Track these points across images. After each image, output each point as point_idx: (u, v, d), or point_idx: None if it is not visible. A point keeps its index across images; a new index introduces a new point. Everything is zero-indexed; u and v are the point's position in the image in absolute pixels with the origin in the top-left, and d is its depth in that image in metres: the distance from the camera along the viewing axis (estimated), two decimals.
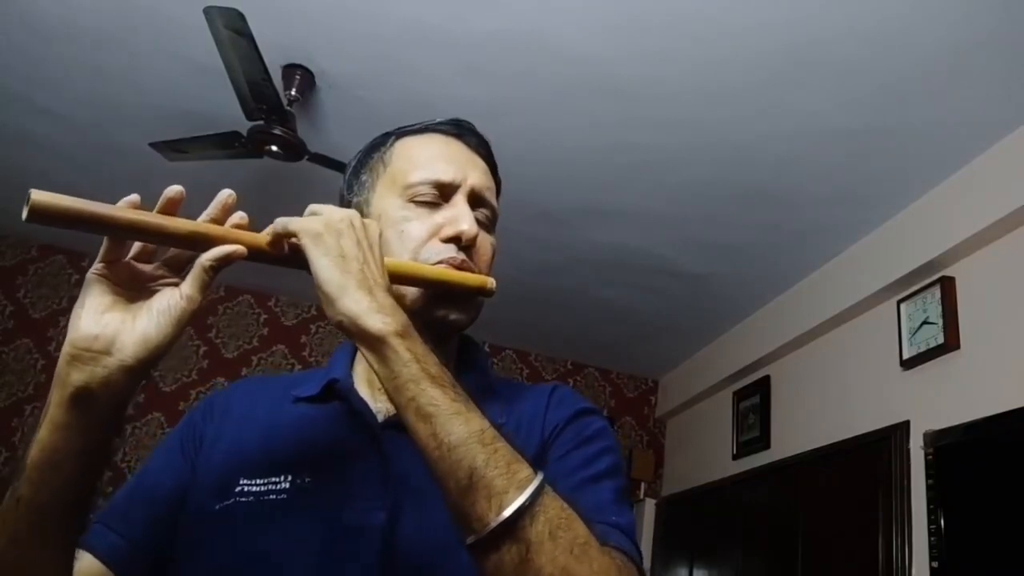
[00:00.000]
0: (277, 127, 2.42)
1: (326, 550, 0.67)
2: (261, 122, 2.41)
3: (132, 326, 0.61)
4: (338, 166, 2.60)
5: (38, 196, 0.55)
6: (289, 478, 0.71)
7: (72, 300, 3.49)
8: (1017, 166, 2.28)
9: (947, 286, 2.53)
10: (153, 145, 2.64)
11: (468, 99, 2.48)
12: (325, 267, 0.62)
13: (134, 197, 0.61)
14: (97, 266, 0.62)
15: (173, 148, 2.62)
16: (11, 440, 3.79)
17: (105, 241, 0.61)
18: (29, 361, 3.94)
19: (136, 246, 0.63)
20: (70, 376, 0.59)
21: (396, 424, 0.74)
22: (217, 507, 0.70)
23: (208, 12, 2.02)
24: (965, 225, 2.44)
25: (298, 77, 2.44)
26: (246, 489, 0.71)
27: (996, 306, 2.35)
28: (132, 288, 0.63)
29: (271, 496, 0.70)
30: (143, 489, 0.76)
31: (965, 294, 2.48)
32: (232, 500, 0.70)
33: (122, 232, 0.60)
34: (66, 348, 0.60)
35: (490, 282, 0.77)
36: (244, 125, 2.46)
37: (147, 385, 4.04)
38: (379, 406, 0.77)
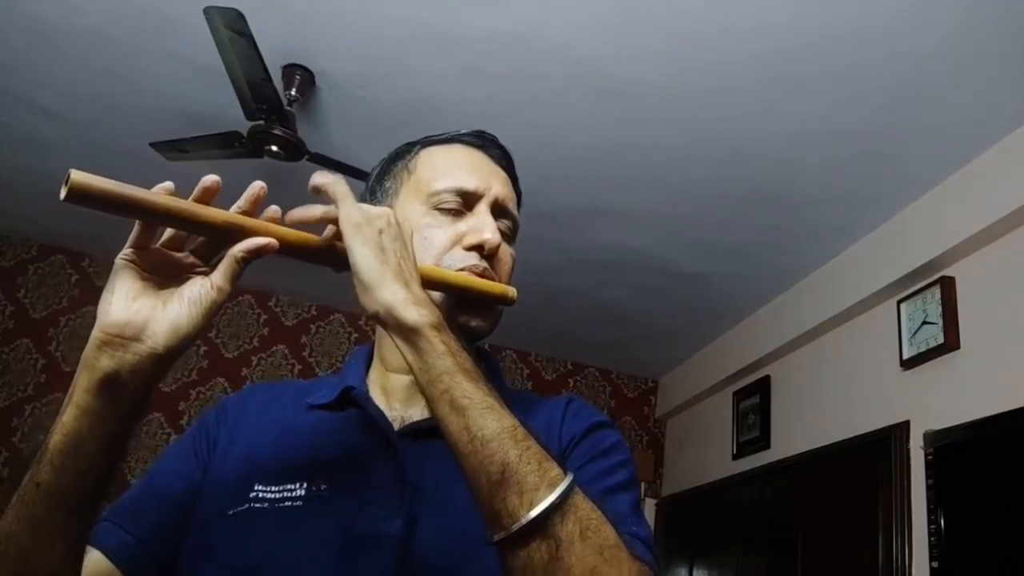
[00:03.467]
0: (277, 127, 2.42)
1: (342, 558, 0.66)
2: (261, 122, 2.41)
3: (163, 314, 0.60)
4: (338, 166, 2.60)
5: (77, 176, 0.55)
6: (304, 485, 0.70)
7: (72, 300, 3.48)
8: (1017, 166, 2.28)
9: (947, 286, 2.53)
10: (154, 145, 2.64)
11: (468, 99, 2.48)
12: (365, 256, 0.63)
13: (169, 184, 0.60)
14: (126, 251, 0.61)
15: (173, 148, 2.62)
16: (11, 440, 3.80)
17: (136, 226, 0.60)
18: (29, 361, 3.94)
19: (166, 233, 0.63)
20: (99, 361, 0.58)
21: (412, 432, 0.75)
22: (231, 512, 0.70)
23: (208, 12, 2.02)
24: (965, 225, 2.44)
25: (298, 77, 2.44)
26: (261, 495, 0.70)
27: (996, 306, 2.35)
28: (160, 275, 0.62)
29: (286, 503, 0.70)
30: (153, 489, 0.76)
31: (965, 294, 2.48)
32: (247, 506, 0.70)
33: (158, 217, 0.59)
34: (96, 334, 0.59)
35: (511, 291, 0.77)
36: (244, 125, 2.46)
37: None
38: (394, 414, 0.77)
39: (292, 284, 4.22)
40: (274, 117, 2.40)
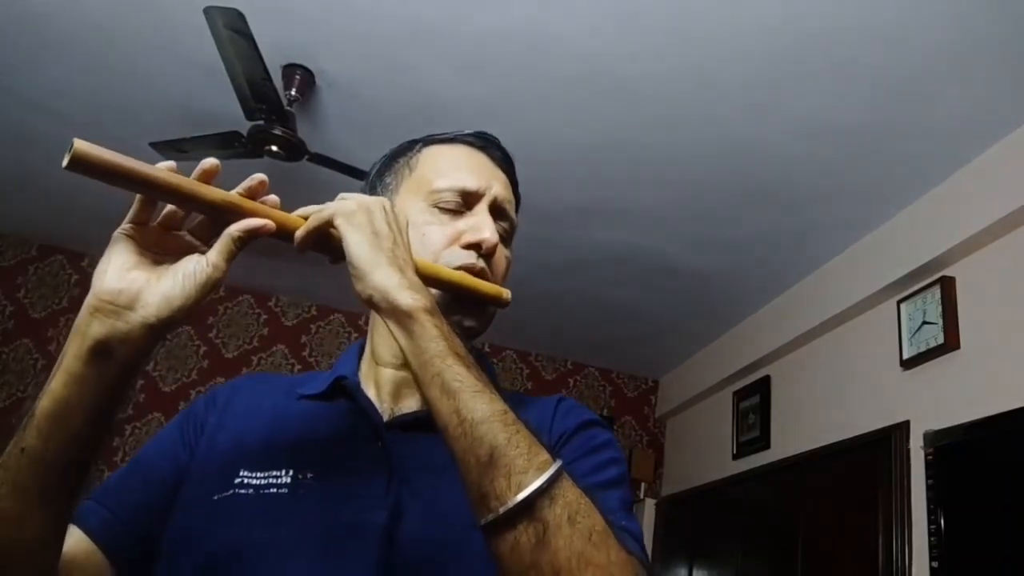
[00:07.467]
0: (277, 127, 2.42)
1: (326, 546, 0.66)
2: (261, 122, 2.41)
3: (157, 286, 0.61)
4: (338, 166, 2.60)
5: (80, 145, 0.56)
6: (290, 473, 0.70)
7: (72, 300, 3.49)
8: (1017, 166, 2.28)
9: (947, 286, 2.53)
10: (153, 145, 2.64)
11: (468, 98, 2.48)
12: (358, 242, 0.64)
13: (171, 163, 0.61)
14: (125, 226, 0.62)
15: (173, 148, 2.62)
16: (10, 440, 3.79)
17: (136, 201, 0.61)
18: (29, 361, 3.94)
19: (165, 212, 0.64)
20: (91, 327, 0.59)
21: (401, 424, 0.75)
22: (216, 497, 0.70)
23: (208, 12, 2.02)
24: (965, 225, 2.43)
25: (298, 77, 2.44)
26: (246, 481, 0.70)
27: (996, 306, 2.35)
28: (157, 252, 0.63)
29: (271, 490, 0.70)
30: (139, 471, 0.76)
31: (965, 294, 2.48)
32: (231, 491, 0.70)
33: (158, 192, 0.60)
34: (89, 300, 0.60)
35: (506, 293, 0.78)
36: (244, 125, 2.46)
37: (147, 385, 4.04)
38: (384, 406, 0.77)
39: (292, 284, 4.22)
40: (274, 117, 2.40)
